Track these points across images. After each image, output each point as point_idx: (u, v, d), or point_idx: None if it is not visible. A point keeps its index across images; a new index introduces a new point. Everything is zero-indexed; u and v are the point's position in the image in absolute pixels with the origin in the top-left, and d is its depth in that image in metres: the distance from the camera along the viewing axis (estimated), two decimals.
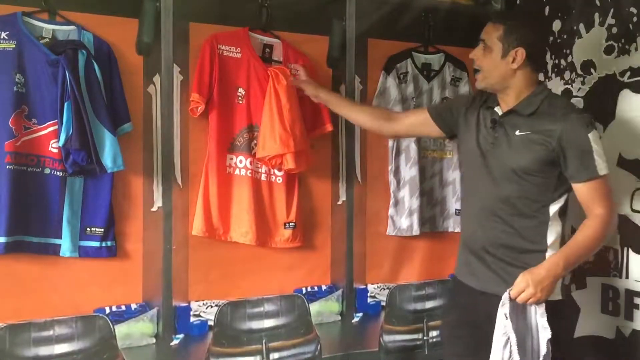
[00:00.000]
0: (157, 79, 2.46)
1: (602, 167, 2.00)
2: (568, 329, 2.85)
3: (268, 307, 2.70)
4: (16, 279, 2.27)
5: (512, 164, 2.06)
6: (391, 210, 2.98)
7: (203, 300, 2.59)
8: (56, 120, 2.23)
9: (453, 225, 3.11)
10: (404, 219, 2.99)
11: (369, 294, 2.95)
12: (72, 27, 2.30)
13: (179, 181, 2.54)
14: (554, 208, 2.09)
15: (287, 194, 2.68)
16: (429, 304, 3.10)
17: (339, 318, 2.88)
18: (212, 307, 2.60)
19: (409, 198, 2.98)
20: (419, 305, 3.08)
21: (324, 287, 2.85)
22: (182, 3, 2.46)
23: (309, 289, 2.82)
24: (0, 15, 2.21)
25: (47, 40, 2.26)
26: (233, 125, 2.59)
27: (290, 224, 2.68)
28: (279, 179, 2.67)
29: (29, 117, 2.24)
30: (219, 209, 2.56)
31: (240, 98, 2.60)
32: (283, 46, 2.69)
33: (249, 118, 2.62)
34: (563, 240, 2.13)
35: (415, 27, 3.00)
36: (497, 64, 2.07)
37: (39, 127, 2.25)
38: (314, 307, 2.80)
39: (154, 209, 2.49)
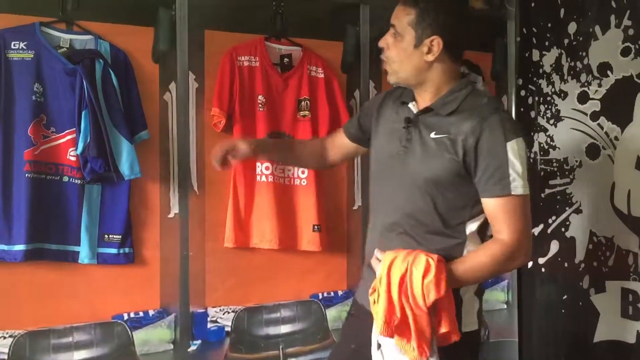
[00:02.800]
0: (173, 86, 2.48)
1: (517, 185, 1.62)
2: (587, 333, 2.82)
3: (285, 313, 2.71)
4: (36, 286, 2.29)
5: (425, 172, 1.69)
6: None
7: (220, 306, 2.60)
8: (74, 129, 2.26)
9: None
10: None
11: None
12: (89, 37, 2.34)
13: (195, 188, 2.56)
14: (472, 226, 1.71)
15: (313, 196, 2.70)
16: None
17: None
18: (229, 313, 2.61)
19: None
20: None
21: (340, 293, 2.84)
22: (197, 11, 2.48)
23: (325, 295, 2.81)
24: (18, 26, 2.25)
25: (65, 49, 2.30)
26: (256, 133, 2.62)
27: (317, 226, 2.69)
28: (304, 182, 2.69)
29: (47, 125, 2.27)
30: (246, 218, 2.59)
31: (261, 105, 2.62)
32: (302, 51, 2.72)
33: (271, 125, 2.64)
34: None
35: None
36: (410, 55, 1.69)
37: (57, 135, 2.28)
38: (331, 313, 2.80)
39: (171, 215, 2.50)
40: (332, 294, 2.82)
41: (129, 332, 2.41)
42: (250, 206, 2.62)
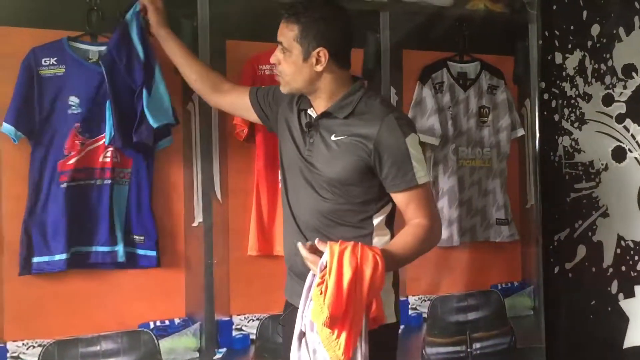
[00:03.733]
0: (195, 96, 2.50)
1: (421, 175, 1.79)
2: (616, 339, 2.77)
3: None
4: (64, 295, 2.32)
5: (329, 173, 1.82)
6: None
7: (245, 314, 2.61)
8: (104, 134, 2.30)
9: (494, 234, 3.07)
10: (444, 229, 2.94)
11: (409, 306, 2.93)
12: None
13: (219, 196, 2.57)
14: (378, 219, 1.87)
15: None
16: (472, 316, 3.06)
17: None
18: (253, 320, 2.61)
19: (448, 208, 2.96)
20: (461, 317, 3.04)
21: None
22: (218, 21, 2.50)
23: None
24: (47, 43, 2.29)
25: (94, 61, 2.34)
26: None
27: None
28: None
29: (82, 133, 2.31)
30: (270, 226, 2.60)
31: None
32: None
33: None
34: None
35: (450, 37, 2.98)
36: (300, 68, 1.81)
37: (90, 140, 2.32)
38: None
39: (195, 224, 2.52)
40: None
41: (155, 341, 2.42)
42: (273, 214, 2.62)
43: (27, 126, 2.24)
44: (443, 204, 2.96)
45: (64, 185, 2.27)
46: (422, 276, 2.96)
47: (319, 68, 1.79)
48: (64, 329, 2.31)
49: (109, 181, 2.34)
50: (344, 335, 1.64)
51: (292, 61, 1.80)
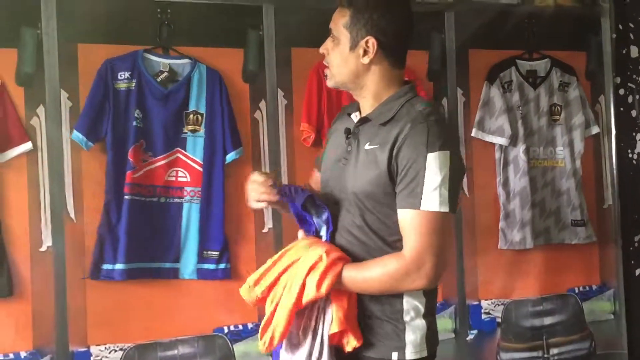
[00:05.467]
0: (262, 104, 2.54)
1: (431, 200, 1.48)
2: None
3: None
4: (143, 301, 2.41)
5: (355, 186, 1.58)
6: (502, 223, 2.90)
7: None
8: (170, 152, 2.39)
9: (569, 236, 2.98)
10: (516, 231, 2.90)
11: (482, 311, 2.87)
12: (186, 60, 2.46)
13: None
14: None
15: None
16: (548, 320, 2.97)
17: (453, 336, 2.81)
18: None
19: (520, 210, 2.89)
20: (537, 322, 2.95)
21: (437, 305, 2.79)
22: (283, 30, 2.54)
23: None
24: (122, 56, 2.39)
25: (166, 73, 2.43)
26: None
27: None
28: None
29: (146, 150, 2.39)
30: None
31: None
32: None
33: None
34: None
35: (518, 34, 2.92)
36: (346, 58, 1.61)
37: (154, 159, 2.41)
38: None
39: (265, 230, 2.56)
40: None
41: (230, 345, 2.47)
42: None
43: (98, 136, 2.35)
44: (515, 205, 2.90)
45: (128, 197, 2.36)
46: (495, 280, 2.90)
47: (366, 60, 1.59)
48: (143, 333, 2.39)
49: (178, 200, 2.42)
50: (262, 330, 1.56)
51: (339, 50, 1.61)
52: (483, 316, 2.87)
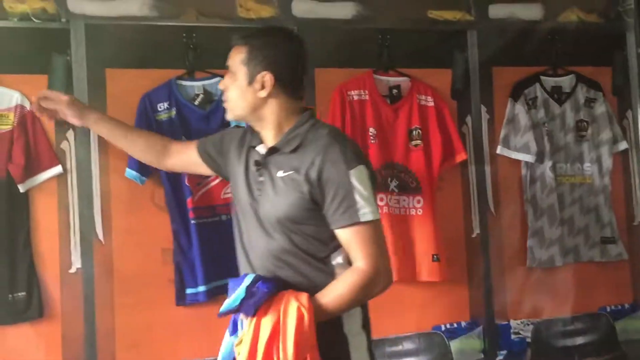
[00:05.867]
0: None
1: (366, 212, 1.62)
2: None
3: (407, 346, 2.66)
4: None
5: (277, 212, 1.68)
6: (530, 241, 2.86)
7: None
8: None
9: (600, 254, 2.93)
10: (545, 250, 2.86)
11: (512, 330, 2.82)
12: (217, 79, 2.49)
13: None
14: (338, 259, 1.70)
15: (430, 225, 2.67)
16: (580, 340, 2.90)
17: (482, 356, 2.77)
18: None
19: (548, 227, 2.86)
20: (568, 342, 2.89)
21: (463, 324, 2.76)
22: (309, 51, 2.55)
23: (447, 326, 2.75)
24: (156, 88, 2.45)
25: (202, 95, 2.49)
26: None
27: (436, 256, 2.65)
28: (420, 211, 2.67)
29: None
30: None
31: (372, 137, 2.65)
32: (411, 81, 2.74)
33: (384, 156, 2.66)
34: None
35: (542, 51, 2.90)
36: (244, 92, 1.72)
37: (207, 180, 2.46)
38: (455, 345, 2.72)
39: None
40: (455, 325, 2.75)
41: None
42: None
43: (150, 169, 2.38)
44: (543, 223, 2.86)
45: (194, 222, 2.42)
46: (524, 299, 2.85)
47: (263, 94, 1.70)
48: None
49: None
50: None
51: (237, 85, 1.73)
52: (512, 336, 2.82)
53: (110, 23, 2.36)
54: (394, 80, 2.74)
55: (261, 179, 1.73)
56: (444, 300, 2.75)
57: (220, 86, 1.81)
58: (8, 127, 2.36)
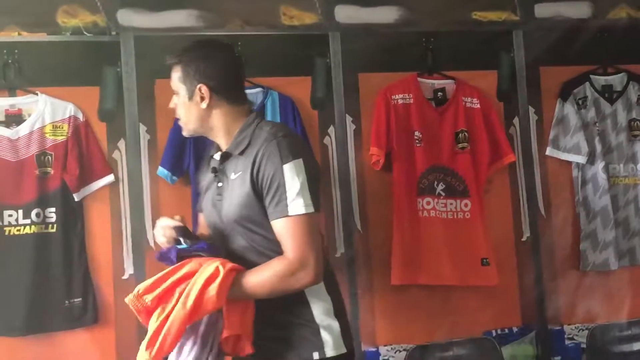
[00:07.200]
0: (331, 130, 2.57)
1: (296, 205, 1.63)
2: None
3: (458, 351, 2.63)
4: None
5: (232, 214, 1.72)
6: (583, 244, 2.80)
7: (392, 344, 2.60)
8: None
9: None
10: (598, 253, 2.79)
11: (566, 336, 2.75)
12: (258, 89, 2.56)
13: (359, 226, 2.60)
14: None
15: (479, 229, 2.65)
16: (637, 346, 2.81)
17: None
18: (400, 352, 2.59)
19: (602, 230, 2.78)
20: (625, 347, 2.80)
21: (515, 329, 2.71)
22: (350, 56, 2.57)
23: (499, 332, 2.70)
24: None
25: None
26: (416, 169, 2.63)
27: (485, 260, 2.62)
28: (468, 214, 2.65)
29: None
30: (412, 254, 2.59)
31: (418, 141, 2.64)
32: (456, 84, 2.72)
33: (430, 159, 2.65)
34: None
35: (591, 49, 2.83)
36: (188, 108, 1.78)
37: None
38: (507, 351, 2.67)
39: (337, 254, 2.56)
40: (506, 330, 2.71)
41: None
42: (415, 242, 2.61)
43: (181, 170, 2.46)
44: (596, 225, 2.80)
45: None
46: (578, 304, 2.78)
47: (204, 105, 1.76)
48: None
49: None
50: (152, 326, 1.56)
51: (181, 102, 1.79)
52: (567, 342, 2.75)
53: (159, 35, 2.42)
54: (438, 83, 2.72)
55: (220, 184, 1.79)
56: (494, 305, 2.71)
57: (171, 106, 1.86)
58: (63, 138, 2.44)
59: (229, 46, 1.89)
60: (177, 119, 1.88)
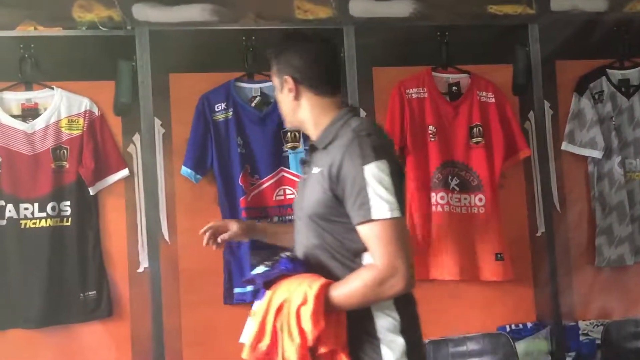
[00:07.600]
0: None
1: (380, 209, 1.55)
2: None
3: (471, 346, 2.62)
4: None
5: (307, 209, 1.69)
6: (598, 240, 2.78)
7: None
8: (275, 172, 2.49)
9: None
10: (614, 248, 2.76)
11: (580, 332, 2.74)
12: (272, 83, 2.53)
13: None
14: (369, 257, 1.62)
15: (493, 224, 2.63)
16: None
17: (549, 358, 2.69)
18: None
19: (617, 225, 2.76)
20: None
21: (529, 325, 2.70)
22: (364, 51, 2.55)
23: (513, 327, 2.69)
24: (215, 89, 2.51)
25: (258, 97, 2.54)
26: (429, 164, 2.62)
27: (499, 255, 2.61)
28: (482, 209, 2.63)
29: (252, 174, 2.49)
30: (425, 249, 2.59)
31: (432, 135, 2.63)
32: (470, 78, 2.70)
33: (444, 154, 2.64)
34: None
35: (608, 43, 2.80)
36: (282, 100, 1.79)
37: (261, 180, 2.51)
38: (520, 347, 2.65)
39: None
40: (520, 326, 2.69)
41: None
42: (427, 237, 2.60)
43: (205, 168, 2.48)
44: (612, 220, 2.77)
45: None
46: (593, 299, 2.77)
47: (291, 97, 1.75)
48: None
49: (290, 217, 2.46)
50: None
51: (277, 96, 1.82)
52: (581, 337, 2.73)
53: (173, 29, 2.42)
54: (453, 77, 2.71)
55: (305, 176, 1.80)
56: (508, 300, 2.70)
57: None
58: (78, 132, 2.46)
59: (320, 37, 1.84)
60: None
